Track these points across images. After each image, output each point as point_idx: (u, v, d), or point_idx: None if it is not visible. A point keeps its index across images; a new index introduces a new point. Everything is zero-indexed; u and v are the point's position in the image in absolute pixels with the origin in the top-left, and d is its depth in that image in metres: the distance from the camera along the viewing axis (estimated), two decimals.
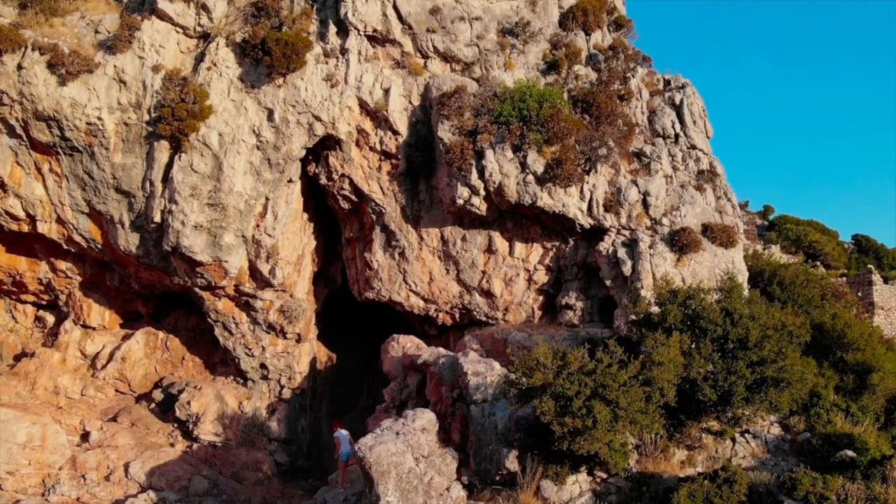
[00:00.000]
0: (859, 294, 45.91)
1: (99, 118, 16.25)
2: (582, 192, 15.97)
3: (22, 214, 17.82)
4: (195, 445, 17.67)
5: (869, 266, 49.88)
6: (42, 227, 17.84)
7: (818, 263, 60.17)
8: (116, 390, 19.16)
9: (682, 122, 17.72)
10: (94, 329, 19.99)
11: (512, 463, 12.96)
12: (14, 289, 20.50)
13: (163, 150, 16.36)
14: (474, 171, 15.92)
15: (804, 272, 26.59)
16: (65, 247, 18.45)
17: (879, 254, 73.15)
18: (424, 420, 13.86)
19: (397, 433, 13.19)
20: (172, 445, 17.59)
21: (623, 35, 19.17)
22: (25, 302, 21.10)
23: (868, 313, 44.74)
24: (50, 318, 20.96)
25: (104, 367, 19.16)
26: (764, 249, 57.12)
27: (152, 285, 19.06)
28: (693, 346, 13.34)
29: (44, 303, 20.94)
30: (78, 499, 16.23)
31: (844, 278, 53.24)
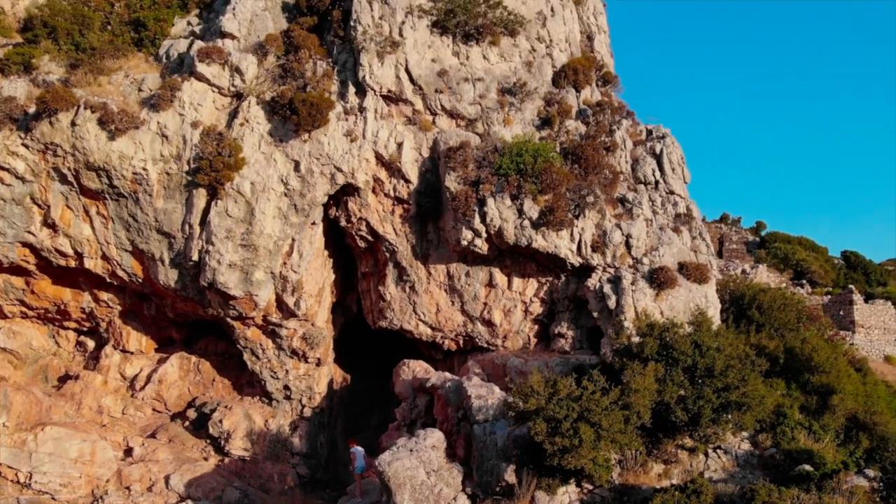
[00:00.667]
0: (841, 312, 47.67)
1: (144, 169, 18.05)
2: (572, 234, 17.64)
3: (70, 252, 19.60)
4: (226, 459, 19.28)
5: (850, 286, 51.60)
6: (88, 263, 19.59)
7: (804, 281, 61.99)
8: (154, 409, 20.84)
9: (661, 169, 19.46)
10: (132, 353, 21.66)
11: (510, 476, 14.55)
12: (58, 316, 22.22)
13: (201, 197, 18.11)
14: (477, 216, 17.54)
15: (781, 296, 28.27)
16: (108, 280, 20.16)
17: (867, 269, 74.64)
18: (434, 438, 15.64)
19: (411, 450, 14.98)
20: (206, 459, 19.23)
21: (610, 89, 20.99)
22: (68, 328, 22.78)
23: (849, 331, 46.57)
24: (90, 343, 22.65)
25: (142, 388, 20.85)
26: (752, 269, 58.99)
27: (186, 314, 20.80)
28: (667, 373, 15.14)
29: (85, 329, 22.62)
30: None
31: (829, 296, 55.14)
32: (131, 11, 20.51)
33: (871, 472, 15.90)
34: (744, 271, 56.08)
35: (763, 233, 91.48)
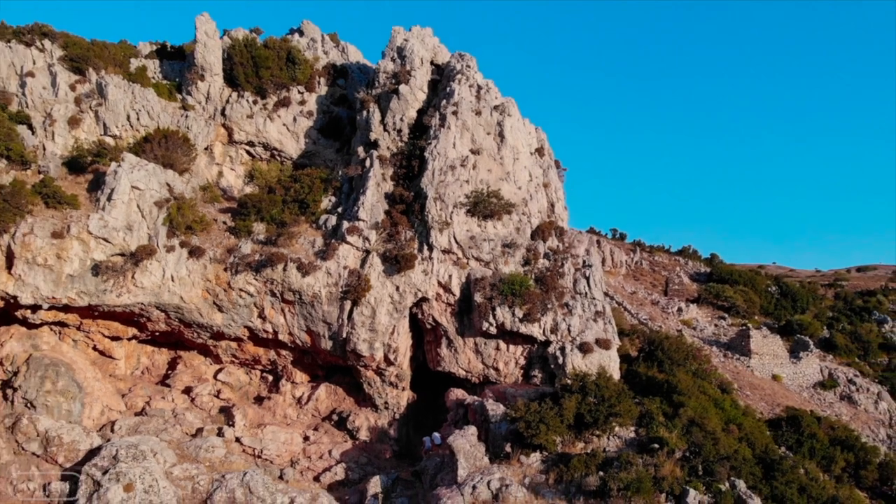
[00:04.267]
0: (742, 343, 61.16)
1: (318, 291, 31.36)
2: (540, 325, 30.82)
3: (271, 331, 32.81)
4: (357, 442, 31.91)
5: (747, 324, 65.08)
6: (280, 337, 32.83)
7: (726, 315, 75.47)
8: (312, 415, 34.20)
9: (589, 285, 32.85)
10: (297, 383, 34.95)
11: (508, 448, 26.47)
12: (252, 362, 35.52)
13: (347, 304, 30.80)
14: (491, 316, 30.22)
15: (677, 342, 41.74)
16: (289, 345, 33.42)
17: (796, 297, 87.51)
18: (472, 430, 28.83)
19: (461, 436, 28.45)
20: (346, 442, 32.13)
21: (563, 237, 34.81)
22: (256, 369, 36.05)
23: (748, 356, 60.16)
24: (269, 377, 36.02)
25: (306, 403, 34.28)
26: (686, 306, 72.53)
27: (329, 363, 34.08)
28: (583, 398, 28.83)
29: (267, 369, 36.05)
30: (308, 467, 31.44)
31: (744, 326, 68.48)
32: (297, 194, 34.30)
33: (692, 448, 29.65)
34: (679, 309, 69.71)
35: (716, 262, 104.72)
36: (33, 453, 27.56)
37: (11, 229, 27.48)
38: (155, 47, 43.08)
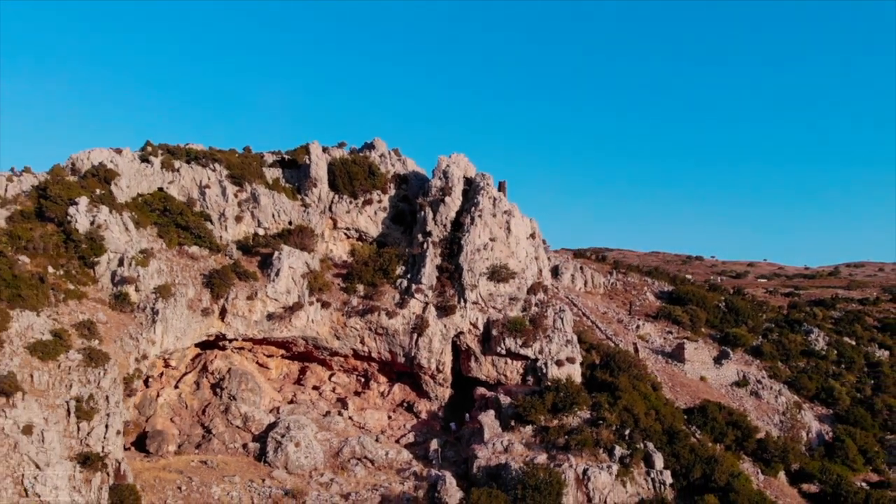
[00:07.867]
0: (679, 353, 75.07)
1: (397, 327, 45.80)
2: (532, 349, 45.73)
3: (367, 351, 46.83)
4: (419, 420, 47.55)
5: (684, 338, 79.05)
6: (372, 355, 47.28)
7: (674, 328, 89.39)
8: (390, 403, 49.00)
9: (563, 323, 47.74)
10: (380, 383, 50.16)
11: (512, 423, 41.39)
12: (352, 370, 50.40)
13: (415, 335, 45.25)
14: (502, 343, 44.80)
15: (626, 355, 56.71)
16: (376, 359, 48.96)
17: (739, 312, 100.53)
18: (491, 412, 43.66)
19: (486, 415, 43.58)
20: (413, 420, 47.79)
21: (547, 292, 49.85)
22: (353, 374, 51.57)
23: (683, 363, 74.25)
24: (362, 379, 51.26)
25: (386, 396, 49.09)
26: (643, 324, 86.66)
27: (401, 371, 49.49)
28: (557, 394, 44.03)
29: (360, 373, 51.49)
30: (391, 435, 46.41)
31: (682, 340, 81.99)
32: (381, 265, 49.47)
33: (623, 424, 44.76)
34: (638, 326, 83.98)
35: (678, 282, 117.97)
36: (237, 426, 42.88)
37: (225, 294, 43.00)
38: (275, 157, 58.51)
